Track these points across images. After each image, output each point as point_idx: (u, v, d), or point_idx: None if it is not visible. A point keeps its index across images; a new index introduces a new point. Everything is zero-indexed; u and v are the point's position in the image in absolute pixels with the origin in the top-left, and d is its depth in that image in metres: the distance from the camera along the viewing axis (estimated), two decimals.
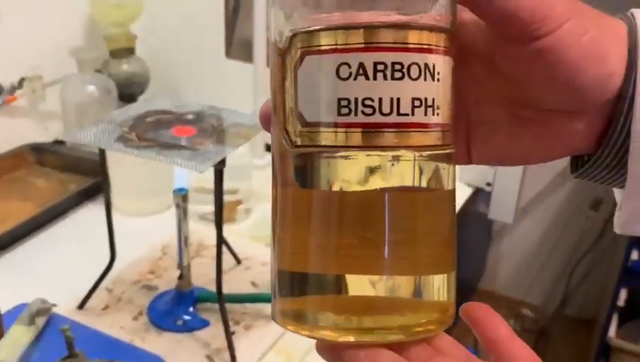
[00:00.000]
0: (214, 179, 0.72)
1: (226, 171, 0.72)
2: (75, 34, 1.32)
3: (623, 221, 0.31)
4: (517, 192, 1.15)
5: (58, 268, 0.91)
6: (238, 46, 1.34)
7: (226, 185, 0.73)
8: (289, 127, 0.28)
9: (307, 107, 0.27)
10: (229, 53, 1.35)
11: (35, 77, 1.19)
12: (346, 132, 0.26)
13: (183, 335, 0.79)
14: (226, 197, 1.00)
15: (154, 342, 0.77)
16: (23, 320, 0.72)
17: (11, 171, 1.13)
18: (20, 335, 0.71)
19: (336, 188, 0.27)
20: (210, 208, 0.94)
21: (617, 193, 0.33)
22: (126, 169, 1.01)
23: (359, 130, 0.26)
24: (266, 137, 1.28)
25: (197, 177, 0.78)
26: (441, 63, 0.27)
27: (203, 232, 0.99)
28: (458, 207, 1.14)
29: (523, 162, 0.33)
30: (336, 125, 0.26)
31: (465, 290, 2.08)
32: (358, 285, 0.28)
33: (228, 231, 0.99)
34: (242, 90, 1.27)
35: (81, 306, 0.82)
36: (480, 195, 1.22)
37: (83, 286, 0.83)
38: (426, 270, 0.28)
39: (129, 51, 1.30)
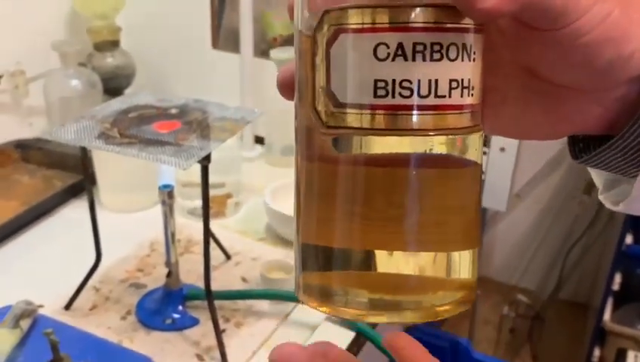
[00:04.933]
0: (201, 176, 0.70)
1: (215, 164, 0.70)
2: (57, 27, 1.29)
3: (632, 198, 0.30)
4: (510, 181, 1.14)
5: (44, 267, 0.90)
6: (224, 37, 1.32)
7: (215, 178, 0.72)
8: (319, 107, 0.27)
9: (340, 87, 0.26)
10: (216, 44, 1.33)
11: (17, 72, 1.17)
12: (383, 114, 0.26)
13: (173, 334, 0.77)
14: (215, 191, 0.98)
15: (142, 341, 0.75)
16: (7, 323, 0.71)
17: None
18: (4, 338, 0.69)
19: (366, 164, 0.27)
20: (199, 202, 0.92)
21: (597, 176, 0.33)
22: (112, 164, 0.99)
23: (396, 112, 0.25)
24: (254, 129, 1.26)
25: (185, 171, 0.76)
26: (476, 42, 0.27)
27: (192, 227, 0.97)
28: None
29: (528, 136, 0.32)
30: (372, 107, 0.26)
31: None
32: (387, 262, 0.27)
33: (218, 225, 0.97)
34: (230, 81, 1.25)
35: (68, 306, 0.80)
36: None
37: (70, 285, 0.81)
38: (455, 246, 0.28)
39: (113, 44, 1.27)
